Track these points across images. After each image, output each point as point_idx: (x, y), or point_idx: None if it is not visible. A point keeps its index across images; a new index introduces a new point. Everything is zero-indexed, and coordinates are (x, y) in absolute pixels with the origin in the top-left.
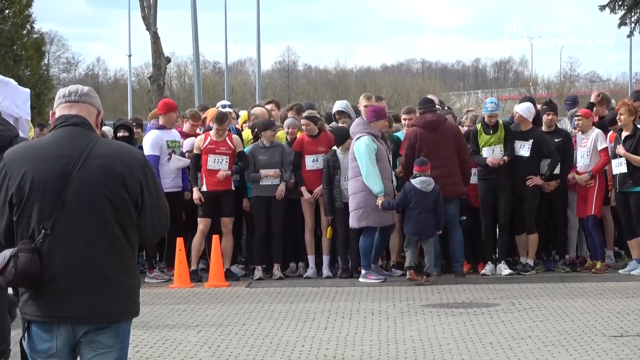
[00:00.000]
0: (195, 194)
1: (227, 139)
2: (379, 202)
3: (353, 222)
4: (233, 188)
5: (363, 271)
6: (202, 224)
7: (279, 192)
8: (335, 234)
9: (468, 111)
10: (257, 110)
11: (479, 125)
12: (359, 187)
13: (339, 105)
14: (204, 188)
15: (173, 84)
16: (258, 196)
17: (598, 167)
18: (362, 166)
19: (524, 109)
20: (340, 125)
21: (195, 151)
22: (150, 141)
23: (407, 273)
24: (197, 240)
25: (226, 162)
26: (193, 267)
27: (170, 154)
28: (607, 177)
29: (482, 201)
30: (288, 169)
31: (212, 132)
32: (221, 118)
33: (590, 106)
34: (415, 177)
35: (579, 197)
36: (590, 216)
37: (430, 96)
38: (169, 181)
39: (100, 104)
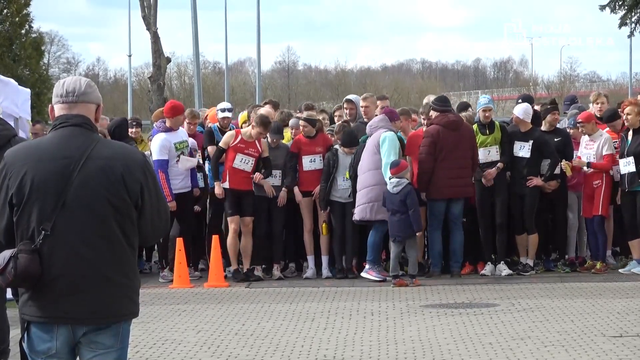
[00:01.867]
0: (218, 189)
1: (256, 141)
2: None
3: (366, 214)
4: (253, 189)
5: (367, 266)
6: (233, 222)
7: (281, 199)
8: (331, 230)
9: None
10: (263, 111)
11: (475, 126)
12: (379, 180)
13: (350, 95)
14: (226, 185)
15: (173, 84)
16: (258, 196)
17: (598, 165)
18: (385, 157)
19: (520, 111)
20: (342, 124)
21: (221, 145)
22: (159, 145)
23: (392, 282)
24: (231, 239)
25: (251, 163)
26: (234, 267)
27: (178, 156)
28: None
29: (480, 202)
30: (290, 172)
31: (245, 132)
32: (266, 123)
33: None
34: (390, 179)
35: (585, 197)
36: (597, 216)
37: (430, 96)
38: (178, 182)
39: (98, 97)
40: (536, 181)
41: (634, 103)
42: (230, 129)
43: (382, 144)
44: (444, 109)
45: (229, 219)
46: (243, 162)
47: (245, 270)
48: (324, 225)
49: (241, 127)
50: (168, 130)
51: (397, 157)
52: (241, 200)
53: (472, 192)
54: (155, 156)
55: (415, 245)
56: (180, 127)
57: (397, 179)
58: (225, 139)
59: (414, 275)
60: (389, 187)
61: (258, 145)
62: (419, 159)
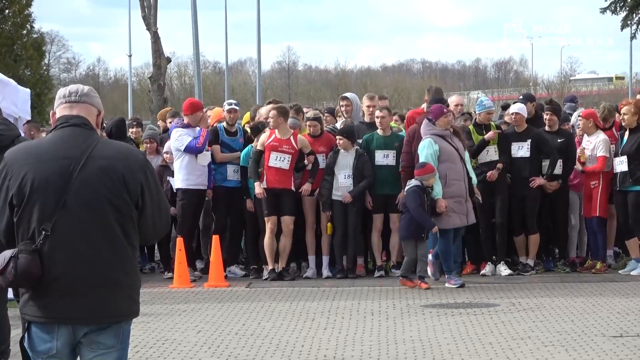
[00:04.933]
0: (258, 189)
1: (291, 137)
2: (439, 204)
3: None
4: (293, 188)
5: (446, 276)
6: (270, 222)
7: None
8: (334, 231)
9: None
10: (263, 110)
11: (470, 127)
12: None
13: (347, 93)
14: (264, 185)
15: (173, 84)
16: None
17: (589, 169)
18: None
19: (520, 108)
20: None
21: (258, 147)
22: (179, 135)
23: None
24: (268, 240)
25: (288, 160)
26: (270, 267)
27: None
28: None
29: (480, 202)
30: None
31: (277, 130)
32: (285, 111)
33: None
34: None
35: (585, 197)
36: (595, 217)
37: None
38: (195, 178)
39: (100, 104)
40: (539, 181)
41: (631, 103)
42: (235, 127)
43: (420, 153)
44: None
45: (265, 219)
46: (279, 160)
47: (279, 269)
48: (328, 225)
49: (243, 127)
50: (186, 126)
51: (436, 164)
52: (280, 199)
53: None
54: (184, 143)
55: (408, 248)
56: (197, 127)
57: (413, 180)
58: (260, 140)
59: (406, 276)
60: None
61: (293, 142)
62: (402, 159)
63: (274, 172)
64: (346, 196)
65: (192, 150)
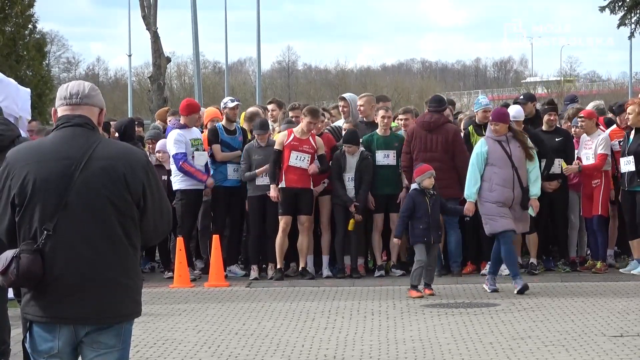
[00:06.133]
0: (273, 192)
1: (310, 138)
2: (466, 207)
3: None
4: (312, 187)
5: (513, 281)
6: (282, 221)
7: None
8: (357, 226)
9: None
10: (252, 109)
11: (470, 128)
12: (486, 197)
13: (345, 94)
14: (283, 184)
15: (173, 84)
16: (254, 196)
17: (590, 166)
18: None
19: (516, 115)
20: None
21: (277, 147)
22: (174, 140)
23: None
24: (279, 240)
25: (307, 160)
26: (279, 266)
27: (193, 152)
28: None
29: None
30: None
31: (296, 130)
32: (314, 112)
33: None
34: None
35: (583, 196)
36: (596, 216)
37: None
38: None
39: (102, 101)
40: None
41: (635, 102)
42: (233, 125)
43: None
44: (430, 109)
45: (279, 217)
46: (299, 160)
47: (300, 269)
48: (351, 221)
49: (242, 127)
50: (182, 127)
51: (480, 166)
52: (298, 199)
53: (455, 194)
54: (173, 151)
55: (419, 252)
56: (194, 127)
57: (415, 184)
58: (278, 140)
59: (415, 286)
60: None
61: (312, 142)
62: (402, 160)
63: (294, 171)
64: (358, 218)
65: (175, 162)
